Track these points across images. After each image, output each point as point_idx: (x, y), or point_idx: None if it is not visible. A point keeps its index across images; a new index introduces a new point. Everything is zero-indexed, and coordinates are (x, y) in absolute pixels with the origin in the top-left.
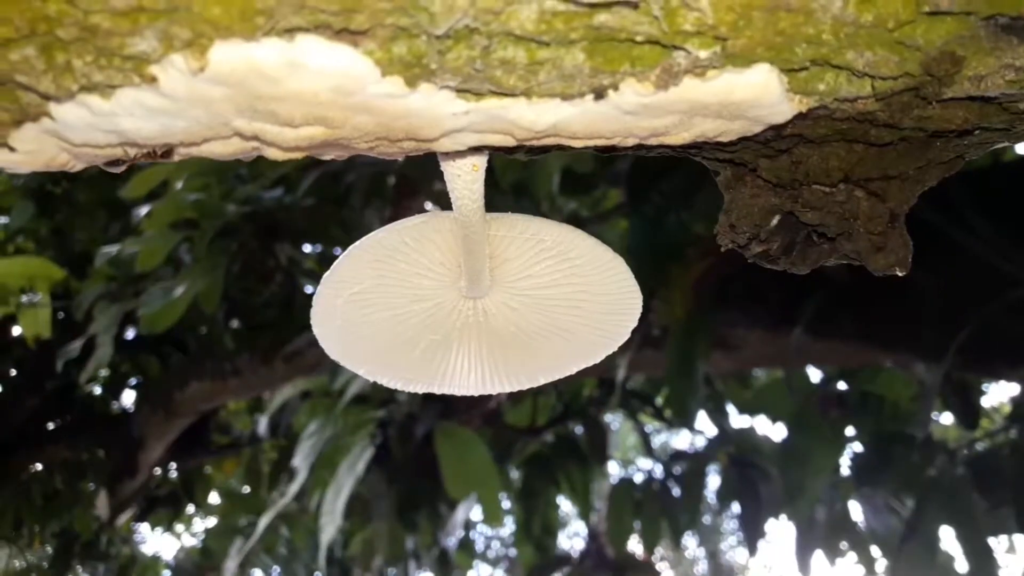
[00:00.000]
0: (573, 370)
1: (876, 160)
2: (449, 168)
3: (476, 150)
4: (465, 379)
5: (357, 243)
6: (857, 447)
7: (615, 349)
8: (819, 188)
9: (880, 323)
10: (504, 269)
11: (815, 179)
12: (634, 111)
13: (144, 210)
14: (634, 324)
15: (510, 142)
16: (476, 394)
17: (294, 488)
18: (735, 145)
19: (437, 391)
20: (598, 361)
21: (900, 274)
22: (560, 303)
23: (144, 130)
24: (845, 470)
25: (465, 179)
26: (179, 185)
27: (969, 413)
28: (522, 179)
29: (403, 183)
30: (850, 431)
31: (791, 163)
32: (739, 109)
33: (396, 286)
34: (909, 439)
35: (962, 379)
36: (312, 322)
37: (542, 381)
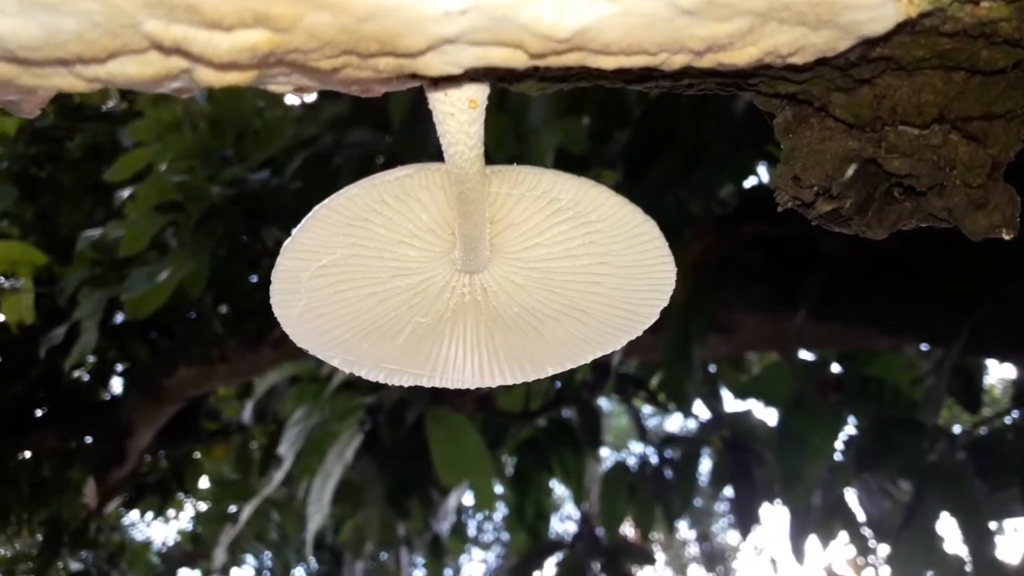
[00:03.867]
0: (588, 358)
1: (979, 94)
2: (439, 104)
3: (475, 77)
4: (460, 370)
5: (325, 202)
6: (854, 432)
7: (640, 333)
8: (908, 129)
9: (883, 305)
10: (507, 236)
11: (903, 118)
12: (693, 9)
13: (127, 192)
14: (665, 302)
15: (520, 60)
16: (472, 387)
17: (279, 476)
18: (805, 73)
19: (426, 384)
20: (618, 348)
21: (1006, 236)
22: (575, 278)
23: (22, 35)
24: (840, 455)
25: (460, 119)
26: (163, 167)
27: (971, 396)
28: (515, 157)
29: (393, 163)
30: (848, 416)
31: (873, 97)
32: (829, 12)
33: (375, 257)
34: (915, 424)
35: (963, 361)
36: (272, 302)
37: (551, 371)
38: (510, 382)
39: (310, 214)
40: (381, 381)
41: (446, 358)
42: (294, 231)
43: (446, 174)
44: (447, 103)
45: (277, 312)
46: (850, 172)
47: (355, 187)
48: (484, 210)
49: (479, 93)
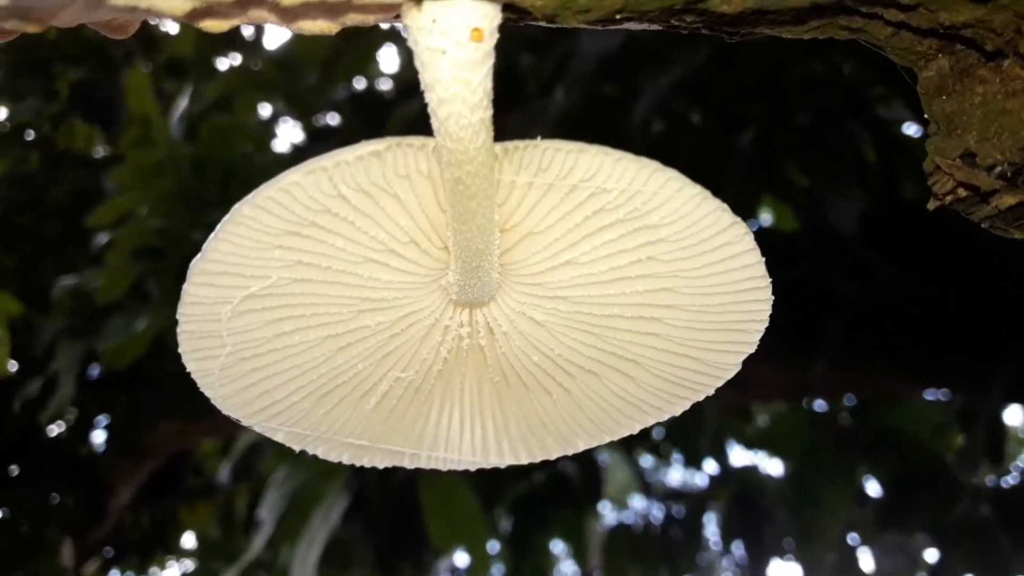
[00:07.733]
0: (635, 427)
1: None
2: (423, 36)
3: None
4: (455, 446)
5: (249, 197)
6: (873, 485)
7: (711, 392)
8: None
9: (902, 352)
10: (525, 249)
11: None
12: None
13: (105, 237)
14: (752, 348)
15: None
16: (471, 468)
17: (259, 542)
18: None
19: (408, 465)
20: (678, 413)
21: None
22: (625, 312)
23: None
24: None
25: (456, 59)
26: (144, 211)
27: (995, 447)
28: None
29: None
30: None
31: None
32: None
33: (330, 282)
34: (941, 480)
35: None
36: (181, 350)
37: (582, 447)
38: (524, 461)
39: (228, 215)
40: (345, 462)
41: (436, 430)
42: (206, 243)
43: (434, 153)
44: (435, 34)
45: (189, 365)
46: None
47: (294, 172)
48: (492, 209)
49: (485, 17)
